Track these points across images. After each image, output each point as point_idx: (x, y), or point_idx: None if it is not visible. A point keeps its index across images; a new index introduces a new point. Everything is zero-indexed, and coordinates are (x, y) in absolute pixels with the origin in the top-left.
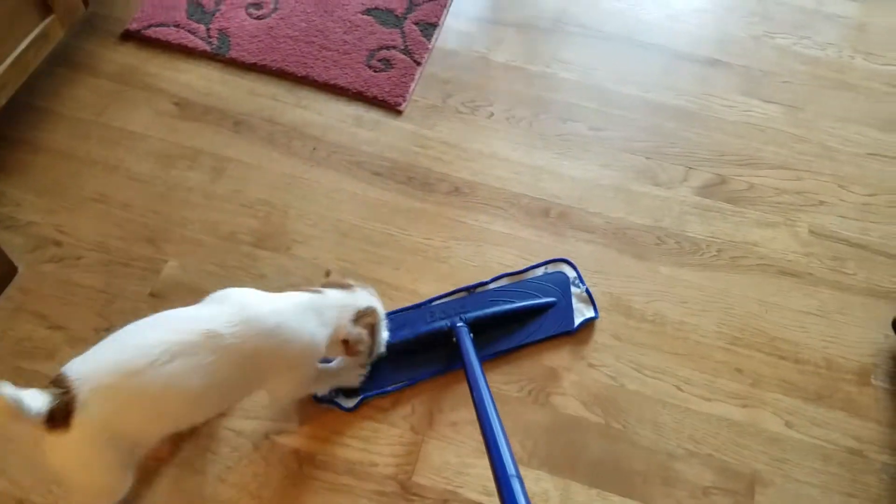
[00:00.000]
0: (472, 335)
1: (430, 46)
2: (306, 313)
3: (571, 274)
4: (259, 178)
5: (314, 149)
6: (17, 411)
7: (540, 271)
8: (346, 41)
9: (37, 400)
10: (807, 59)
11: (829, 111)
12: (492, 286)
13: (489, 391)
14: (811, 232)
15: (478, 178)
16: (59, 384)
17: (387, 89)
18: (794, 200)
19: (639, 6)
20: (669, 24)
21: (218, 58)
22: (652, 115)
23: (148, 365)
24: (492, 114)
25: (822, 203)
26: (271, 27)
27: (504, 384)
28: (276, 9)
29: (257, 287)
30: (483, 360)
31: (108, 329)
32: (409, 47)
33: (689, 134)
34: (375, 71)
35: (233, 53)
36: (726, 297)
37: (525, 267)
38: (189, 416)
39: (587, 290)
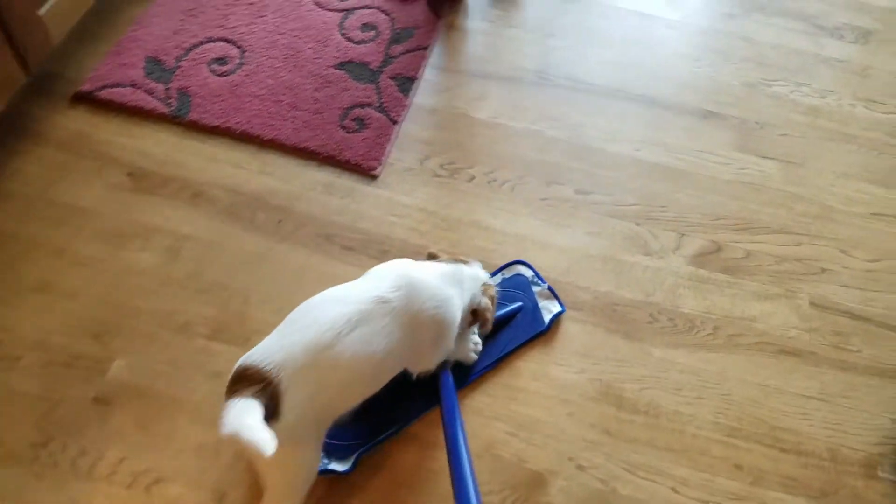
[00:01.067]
0: (452, 379)
1: (407, 103)
2: (452, 282)
3: (529, 273)
4: (218, 257)
5: (280, 221)
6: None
7: (498, 278)
8: (317, 99)
9: (256, 413)
10: (805, 109)
11: (828, 166)
12: None
13: (464, 432)
14: (812, 304)
15: (458, 249)
16: (254, 379)
17: (361, 152)
18: (794, 269)
19: (626, 56)
20: (659, 73)
21: (177, 121)
22: (642, 176)
23: (335, 338)
24: (472, 177)
25: (823, 271)
26: (236, 85)
27: (486, 493)
28: (241, 64)
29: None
30: (465, 384)
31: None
32: (385, 104)
33: (681, 195)
34: (349, 132)
35: (193, 115)
36: (724, 381)
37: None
38: (374, 383)
39: (549, 287)
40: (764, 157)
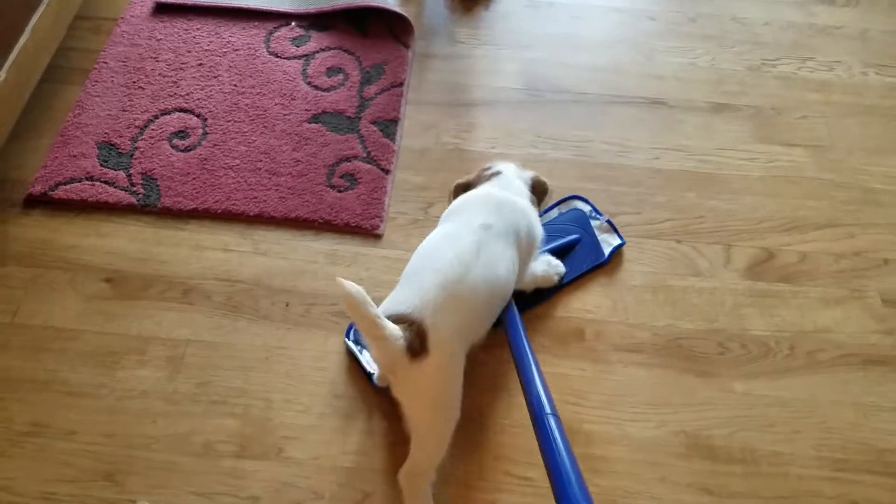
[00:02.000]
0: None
1: (394, 148)
2: (514, 191)
3: (586, 208)
4: (227, 359)
5: (287, 305)
6: (384, 336)
7: (554, 213)
8: (297, 160)
9: (396, 330)
10: (817, 85)
11: (858, 144)
12: None
13: (526, 336)
14: (885, 301)
15: None
16: (398, 322)
17: (358, 212)
18: (854, 265)
19: (613, 57)
20: (654, 70)
21: (148, 210)
22: (668, 187)
23: (465, 269)
24: None
25: (886, 262)
26: (205, 159)
27: None
28: (205, 134)
29: None
30: (525, 309)
31: None
32: (372, 154)
33: (715, 202)
34: (340, 191)
35: (165, 202)
36: (816, 408)
37: (539, 212)
38: (502, 304)
39: (608, 220)
40: (790, 146)
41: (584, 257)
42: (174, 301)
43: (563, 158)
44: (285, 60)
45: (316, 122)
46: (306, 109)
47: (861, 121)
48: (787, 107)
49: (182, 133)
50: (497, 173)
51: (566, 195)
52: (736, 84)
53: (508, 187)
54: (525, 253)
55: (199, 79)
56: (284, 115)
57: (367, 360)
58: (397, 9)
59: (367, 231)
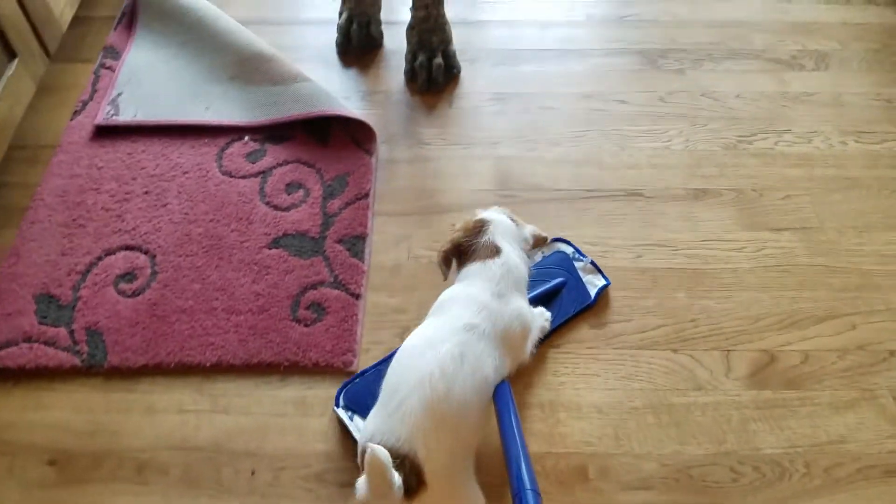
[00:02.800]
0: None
1: (364, 268)
2: (511, 285)
3: (569, 250)
4: None
5: (252, 473)
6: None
7: (538, 256)
8: (258, 294)
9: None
10: (797, 159)
11: (847, 222)
12: None
13: (514, 402)
14: None
15: None
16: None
17: (328, 348)
18: (860, 360)
19: (586, 148)
20: (628, 159)
21: (94, 371)
22: (655, 288)
23: (450, 381)
24: None
25: (891, 354)
26: (154, 303)
27: None
28: (155, 273)
29: None
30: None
31: None
32: (340, 278)
33: (707, 301)
34: (307, 324)
35: (112, 359)
36: None
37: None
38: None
39: (591, 262)
40: (777, 230)
41: (571, 301)
42: (127, 481)
43: None
44: (240, 179)
45: (277, 247)
46: (265, 233)
47: (847, 196)
48: (769, 186)
49: (129, 275)
50: (494, 248)
51: (557, 236)
52: (713, 166)
53: (507, 277)
54: (517, 347)
55: (145, 209)
56: (242, 242)
57: (357, 428)
58: (357, 114)
59: (339, 369)
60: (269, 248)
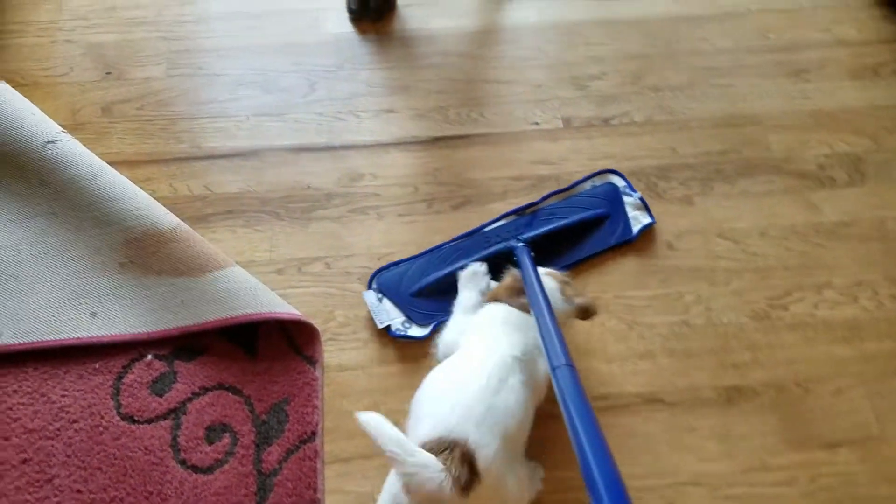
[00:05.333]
0: (532, 254)
1: None
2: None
3: (620, 183)
4: None
5: None
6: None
7: (587, 185)
8: None
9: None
10: (843, 330)
11: None
12: (542, 205)
13: (547, 298)
14: None
15: None
16: (436, 450)
17: None
18: None
19: (592, 344)
20: (643, 350)
21: None
22: None
23: (503, 377)
24: None
25: None
26: None
27: None
28: None
29: None
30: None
31: None
32: None
33: None
34: None
35: None
36: None
37: (572, 182)
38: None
39: (640, 198)
40: (831, 447)
41: (612, 231)
42: None
43: None
44: (145, 426)
45: None
46: None
47: None
48: (814, 376)
49: None
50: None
51: (602, 169)
52: (744, 348)
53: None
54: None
55: (25, 488)
56: None
57: (384, 310)
58: (293, 314)
59: None
60: None
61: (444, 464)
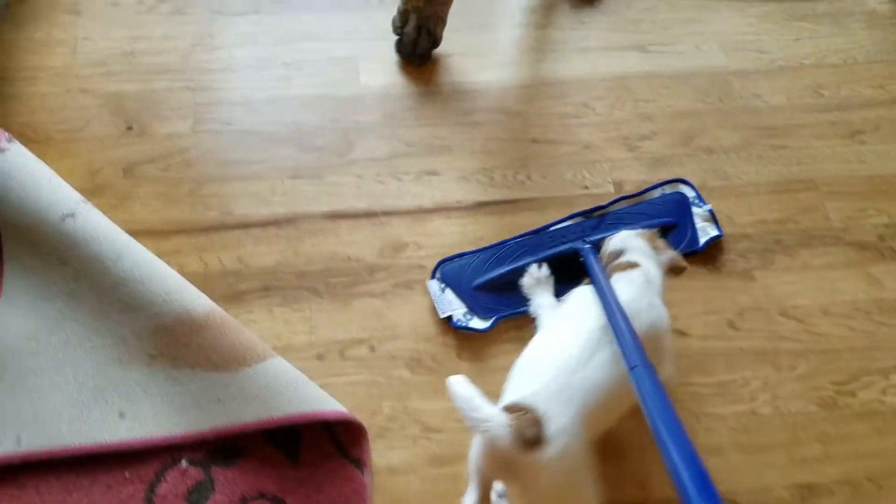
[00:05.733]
0: (598, 256)
1: None
2: (645, 288)
3: (690, 194)
4: None
5: None
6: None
7: (657, 193)
8: None
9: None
10: None
11: None
12: (610, 209)
13: (617, 299)
14: None
15: None
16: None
17: None
18: None
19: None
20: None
21: None
22: None
23: (588, 355)
24: None
25: None
26: None
27: None
28: None
29: None
30: None
31: None
32: None
33: None
34: None
35: None
36: None
37: (642, 189)
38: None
39: (709, 210)
40: None
41: (678, 241)
42: None
43: None
44: None
45: None
46: None
47: None
48: (887, 471)
49: None
50: (633, 263)
51: (673, 178)
52: (814, 440)
53: (644, 287)
54: (664, 352)
55: None
56: None
57: (447, 301)
58: (339, 412)
59: None
60: None
61: (511, 421)
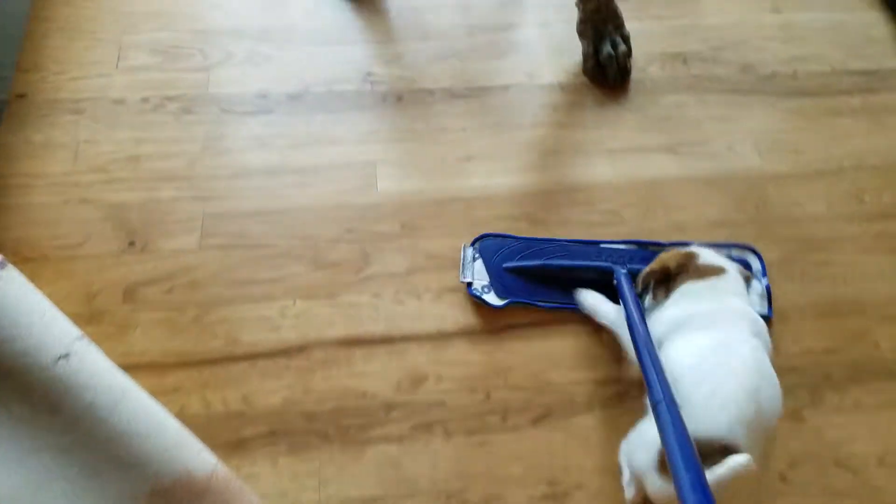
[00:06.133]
0: (632, 285)
1: None
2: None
3: (756, 265)
4: None
5: None
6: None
7: (724, 251)
8: None
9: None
10: None
11: None
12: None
13: (646, 328)
14: None
15: None
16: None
17: None
18: None
19: None
20: None
21: None
22: None
23: (761, 374)
24: None
25: None
26: None
27: None
28: None
29: None
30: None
31: None
32: None
33: None
34: None
35: None
36: None
37: (712, 242)
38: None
39: (767, 287)
40: None
41: None
42: None
43: None
44: None
45: None
46: None
47: None
48: None
49: None
50: (719, 267)
51: (745, 244)
52: None
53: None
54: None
55: None
56: None
57: (473, 270)
58: None
59: None
60: None
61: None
